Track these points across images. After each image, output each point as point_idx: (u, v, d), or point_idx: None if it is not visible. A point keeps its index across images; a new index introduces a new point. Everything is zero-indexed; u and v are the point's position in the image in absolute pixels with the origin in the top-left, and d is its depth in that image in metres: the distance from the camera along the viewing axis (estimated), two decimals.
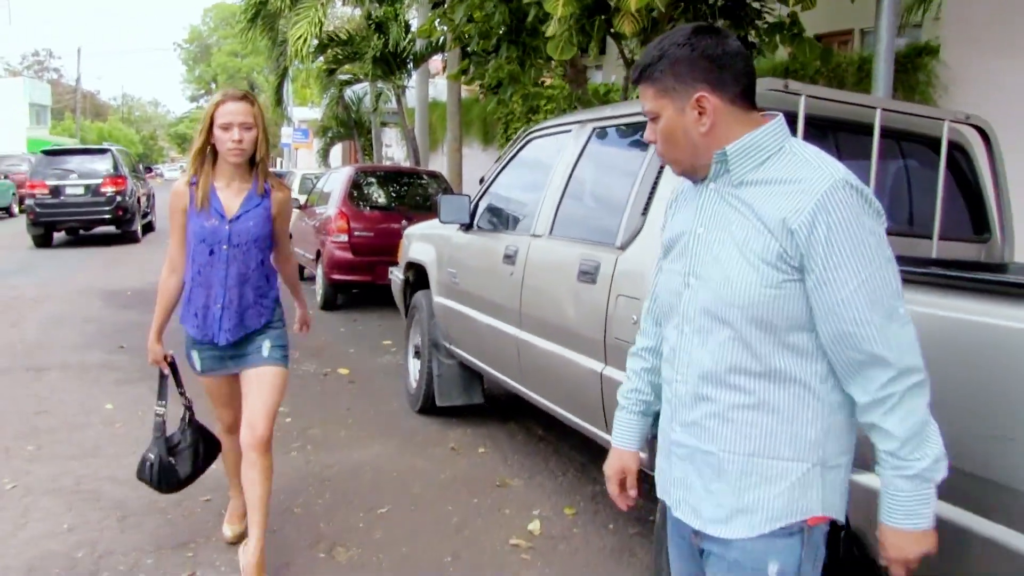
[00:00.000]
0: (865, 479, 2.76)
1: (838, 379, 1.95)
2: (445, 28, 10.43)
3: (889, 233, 4.51)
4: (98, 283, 13.45)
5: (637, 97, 2.22)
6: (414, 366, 7.06)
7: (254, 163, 3.92)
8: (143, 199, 22.19)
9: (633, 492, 2.42)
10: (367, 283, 11.71)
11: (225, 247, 3.88)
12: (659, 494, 2.24)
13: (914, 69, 9.48)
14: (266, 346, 4.04)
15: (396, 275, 7.72)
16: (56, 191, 19.41)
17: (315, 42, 17.75)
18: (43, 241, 19.50)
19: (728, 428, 1.99)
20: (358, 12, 19.98)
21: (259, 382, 4.02)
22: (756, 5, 7.77)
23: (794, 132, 3.87)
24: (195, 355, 4.14)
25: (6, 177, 30.95)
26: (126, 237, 20.51)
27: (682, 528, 2.18)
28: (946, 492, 2.03)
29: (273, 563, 4.14)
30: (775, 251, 1.89)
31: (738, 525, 1.99)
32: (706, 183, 2.07)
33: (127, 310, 11.22)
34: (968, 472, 2.36)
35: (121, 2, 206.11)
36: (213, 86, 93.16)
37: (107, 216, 19.73)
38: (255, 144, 3.85)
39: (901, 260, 3.78)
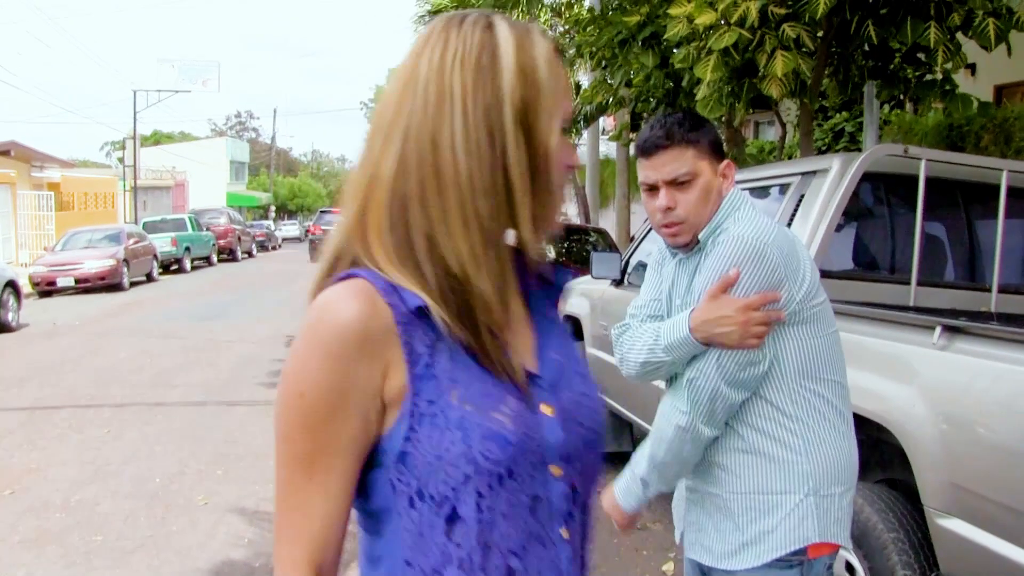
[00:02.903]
0: (955, 526, 2.97)
1: (814, 414, 2.21)
2: (607, 92, 10.84)
3: (1020, 292, 4.63)
4: (285, 328, 14.35)
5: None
6: None
7: None
8: None
9: None
10: None
11: None
12: (676, 536, 2.51)
13: None
14: None
15: None
16: None
17: None
18: None
19: (725, 472, 2.26)
20: None
21: None
22: (912, 67, 7.83)
23: (915, 195, 4.11)
24: None
25: (207, 228, 33.06)
26: None
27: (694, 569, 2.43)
28: None
29: None
30: None
31: (745, 557, 2.21)
32: (687, 255, 2.35)
33: None
34: None
35: (316, 65, 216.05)
36: None
37: None
38: None
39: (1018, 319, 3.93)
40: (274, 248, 48.55)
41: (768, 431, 2.20)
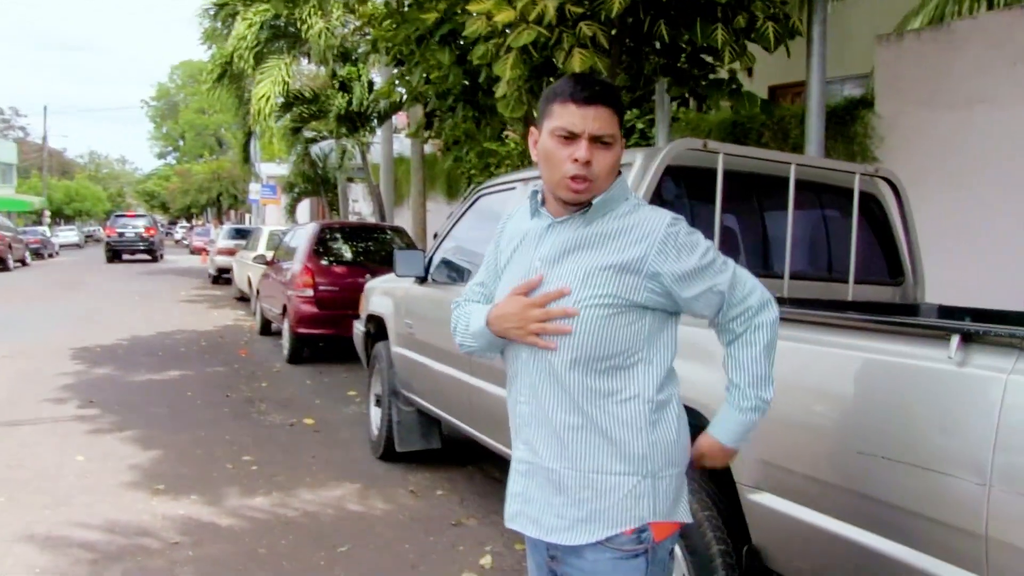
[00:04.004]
0: (765, 499, 3.11)
1: (659, 399, 2.26)
2: (403, 90, 10.81)
3: (808, 278, 4.91)
4: (68, 341, 13.64)
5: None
6: (375, 414, 7.36)
7: None
8: None
9: None
10: (333, 336, 11.98)
11: None
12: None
13: (852, 121, 9.93)
14: None
15: (358, 327, 8.03)
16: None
17: (280, 100, 18.12)
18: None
19: (564, 447, 2.26)
20: (323, 70, 20.38)
21: None
22: (697, 67, 8.15)
23: (714, 188, 4.28)
24: None
25: None
26: None
27: (537, 554, 2.43)
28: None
29: None
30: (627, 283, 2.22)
31: (579, 533, 2.23)
32: (563, 220, 2.31)
33: (97, 366, 11.47)
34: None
35: (88, 61, 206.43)
36: (181, 143, 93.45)
37: None
38: None
39: (820, 304, 4.16)
40: (51, 256, 45.99)
41: (611, 411, 2.22)
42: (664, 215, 2.25)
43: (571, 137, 2.20)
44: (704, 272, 2.22)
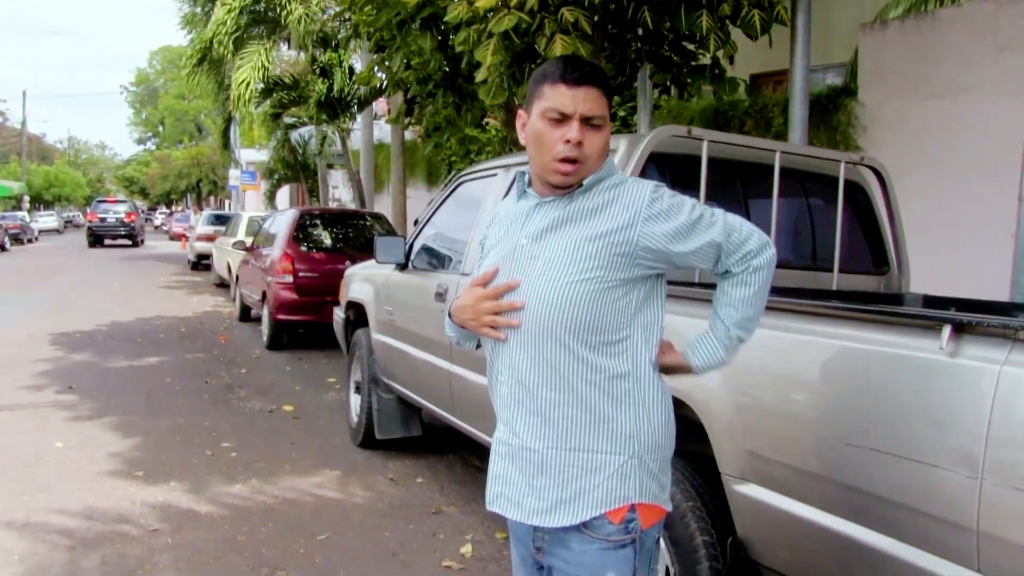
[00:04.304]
0: (751, 491, 3.08)
1: (648, 378, 2.23)
2: (383, 75, 10.71)
3: (793, 267, 4.90)
4: (47, 327, 13.52)
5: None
6: (355, 401, 7.30)
7: None
8: None
9: None
10: (312, 323, 11.92)
11: None
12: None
13: (835, 109, 9.92)
14: None
15: (338, 314, 7.97)
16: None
17: (260, 86, 17.99)
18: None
19: (548, 425, 2.22)
20: (303, 56, 20.24)
21: None
22: (680, 55, 8.10)
23: (698, 175, 4.25)
24: None
25: None
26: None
27: (522, 543, 2.39)
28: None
29: None
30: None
31: (562, 514, 2.19)
32: (552, 200, 2.28)
33: (76, 352, 11.36)
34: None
35: (68, 47, 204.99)
36: (161, 128, 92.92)
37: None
38: None
39: (805, 293, 4.13)
40: (30, 241, 45.78)
41: (602, 386, 2.18)
42: (647, 183, 2.24)
43: (562, 118, 2.17)
44: (695, 227, 2.20)
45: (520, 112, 2.33)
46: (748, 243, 2.25)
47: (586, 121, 2.16)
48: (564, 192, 2.25)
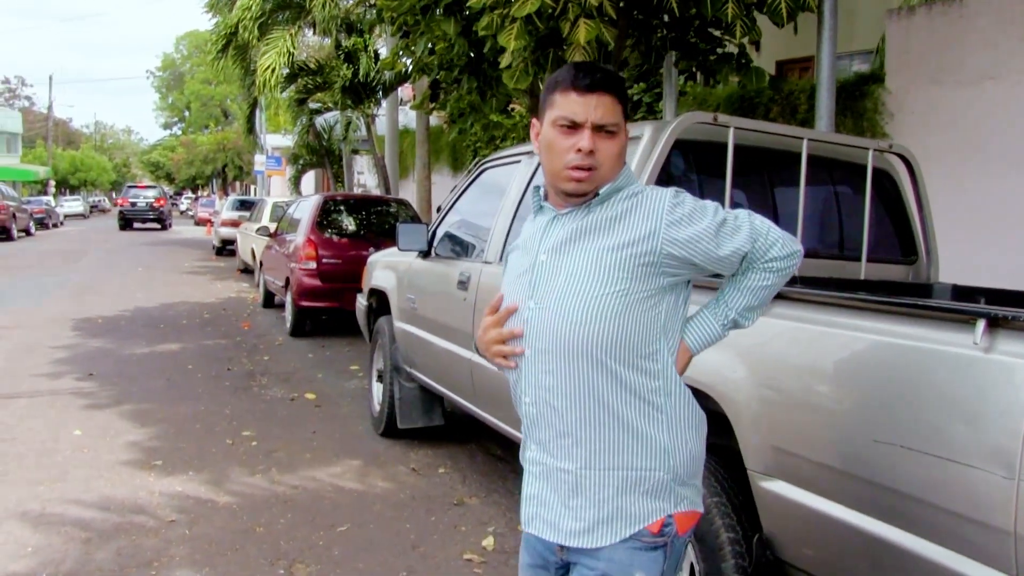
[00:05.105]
0: (777, 487, 3.00)
1: (678, 389, 2.18)
2: (408, 60, 10.65)
3: (820, 256, 4.80)
4: (69, 312, 13.57)
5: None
6: (377, 390, 7.26)
7: None
8: None
9: None
10: (335, 309, 11.89)
11: None
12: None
13: (861, 96, 9.79)
14: None
15: (360, 301, 7.93)
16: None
17: (285, 71, 17.97)
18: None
19: (580, 446, 2.15)
20: (327, 41, 20.19)
21: None
22: (706, 41, 8.01)
23: (724, 162, 4.16)
24: None
25: None
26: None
27: (537, 553, 2.31)
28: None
29: None
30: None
31: (602, 534, 2.14)
32: (568, 212, 2.22)
33: (97, 338, 11.39)
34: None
35: (94, 31, 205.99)
36: (187, 113, 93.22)
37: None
38: None
39: (833, 283, 4.05)
40: (56, 226, 45.98)
41: (635, 403, 2.12)
42: (666, 190, 2.17)
43: (573, 127, 2.12)
44: (720, 230, 2.14)
45: (534, 121, 2.28)
46: (772, 249, 2.19)
47: (599, 129, 2.11)
48: (580, 202, 2.19)
